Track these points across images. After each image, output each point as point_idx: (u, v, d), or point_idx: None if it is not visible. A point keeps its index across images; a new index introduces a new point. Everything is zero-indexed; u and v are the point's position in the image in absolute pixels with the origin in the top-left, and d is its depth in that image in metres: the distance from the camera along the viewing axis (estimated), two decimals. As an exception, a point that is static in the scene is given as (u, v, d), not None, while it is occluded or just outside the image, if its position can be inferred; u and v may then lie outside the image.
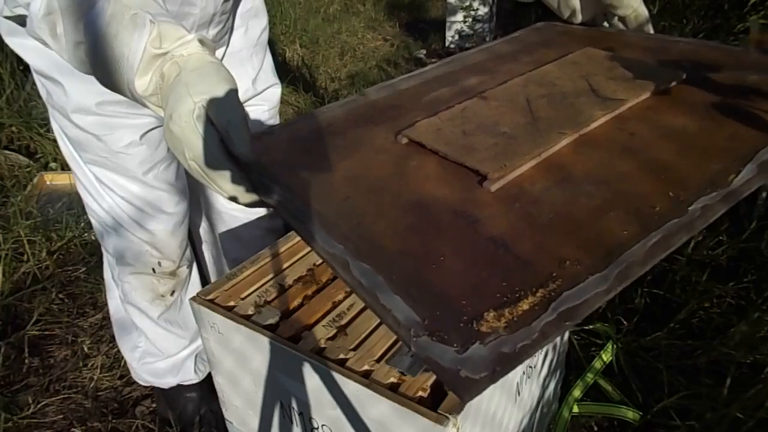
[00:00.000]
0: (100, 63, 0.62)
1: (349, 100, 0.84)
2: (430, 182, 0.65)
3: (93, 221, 1.15)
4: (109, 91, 0.65)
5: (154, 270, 1.16)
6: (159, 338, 1.26)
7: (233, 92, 0.58)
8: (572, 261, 0.51)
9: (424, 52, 4.04)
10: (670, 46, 0.93)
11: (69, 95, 0.94)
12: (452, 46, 3.93)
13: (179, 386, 1.33)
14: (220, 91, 0.57)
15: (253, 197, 0.61)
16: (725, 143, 0.65)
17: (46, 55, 0.83)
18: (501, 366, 0.43)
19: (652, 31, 0.99)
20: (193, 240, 1.38)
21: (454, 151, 0.68)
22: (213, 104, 0.56)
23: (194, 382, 1.34)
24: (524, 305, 0.47)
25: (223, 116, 0.56)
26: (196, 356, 1.33)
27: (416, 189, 0.64)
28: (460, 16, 3.87)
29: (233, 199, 0.60)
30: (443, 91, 0.86)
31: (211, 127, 0.56)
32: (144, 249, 1.12)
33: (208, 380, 1.34)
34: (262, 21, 1.14)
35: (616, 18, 1.01)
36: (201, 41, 0.61)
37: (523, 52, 0.99)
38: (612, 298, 1.51)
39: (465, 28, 3.89)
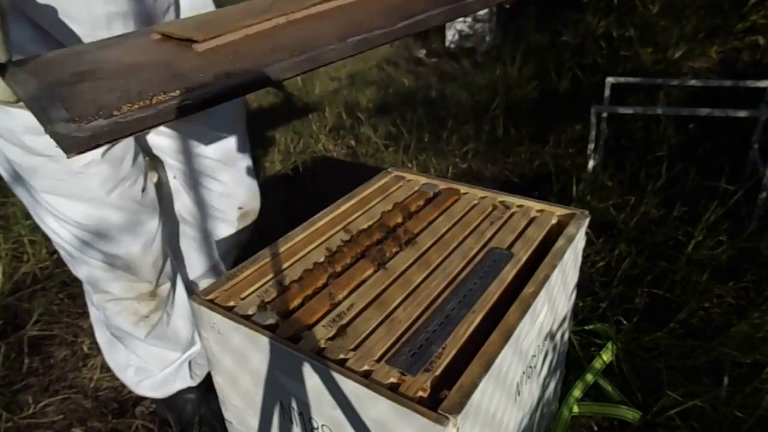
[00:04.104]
0: None
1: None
2: (151, 54, 0.71)
3: (60, 252, 1.10)
4: None
5: (132, 294, 1.11)
6: (150, 356, 1.25)
7: None
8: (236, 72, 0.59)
9: (424, 51, 4.04)
10: None
11: (15, 116, 0.87)
12: (452, 45, 3.94)
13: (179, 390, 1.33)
14: None
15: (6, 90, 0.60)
16: None
17: None
18: (112, 130, 0.50)
19: None
20: (181, 254, 1.37)
21: (183, 33, 0.74)
22: None
23: (191, 385, 1.34)
24: (161, 97, 0.55)
25: None
26: (190, 362, 1.32)
27: (138, 59, 0.69)
28: (460, 16, 3.86)
29: None
30: None
31: None
32: (117, 275, 1.07)
33: (207, 380, 1.34)
34: None
35: None
36: None
37: None
38: (612, 298, 1.50)
39: (465, 28, 3.89)
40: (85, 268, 1.07)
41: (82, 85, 0.61)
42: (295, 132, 2.83)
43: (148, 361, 1.26)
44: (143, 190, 1.06)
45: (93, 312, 1.31)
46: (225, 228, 1.33)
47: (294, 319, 0.77)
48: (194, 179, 1.23)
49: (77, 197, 0.98)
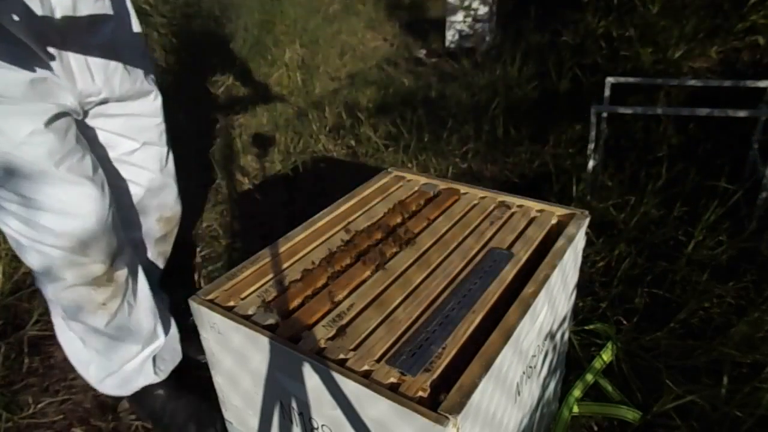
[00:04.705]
0: None
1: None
2: None
3: (11, 243, 1.07)
4: None
5: (86, 279, 1.09)
6: (110, 350, 1.22)
7: None
8: None
9: (424, 51, 4.04)
10: None
11: None
12: (452, 45, 3.94)
13: (145, 386, 1.30)
14: None
15: None
16: None
17: None
18: None
19: None
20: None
21: None
22: None
23: (156, 381, 1.30)
24: None
25: None
26: (154, 357, 1.29)
27: None
28: (460, 16, 3.87)
29: None
30: None
31: None
32: (68, 258, 1.05)
33: (177, 375, 1.33)
34: None
35: None
36: None
37: None
38: (612, 298, 1.50)
39: (465, 27, 3.89)
40: (35, 255, 1.05)
41: None
42: (295, 132, 2.83)
43: (108, 356, 1.23)
44: (93, 168, 1.06)
45: (53, 308, 1.27)
46: (145, 234, 1.35)
47: (294, 319, 0.77)
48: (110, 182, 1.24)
49: (26, 171, 0.97)
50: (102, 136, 1.19)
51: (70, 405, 1.43)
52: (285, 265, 0.90)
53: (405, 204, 1.06)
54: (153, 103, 1.23)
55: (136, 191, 1.28)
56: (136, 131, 1.22)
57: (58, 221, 1.02)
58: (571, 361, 1.28)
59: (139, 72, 1.17)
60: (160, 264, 1.44)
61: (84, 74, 1.05)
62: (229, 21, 4.16)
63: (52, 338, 1.64)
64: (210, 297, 0.83)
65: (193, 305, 0.82)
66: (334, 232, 0.99)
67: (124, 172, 1.25)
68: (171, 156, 1.32)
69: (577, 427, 1.23)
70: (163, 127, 1.27)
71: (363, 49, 4.20)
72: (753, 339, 1.35)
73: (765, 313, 1.39)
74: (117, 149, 1.22)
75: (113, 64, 1.10)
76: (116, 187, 1.23)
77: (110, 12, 1.06)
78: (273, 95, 3.32)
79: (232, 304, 0.82)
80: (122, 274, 1.15)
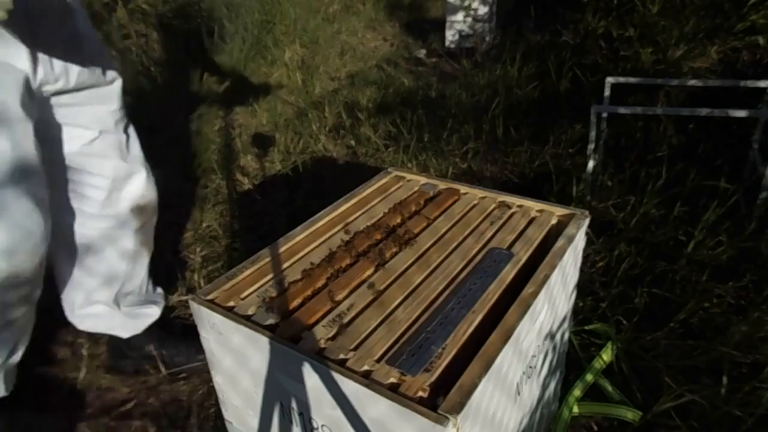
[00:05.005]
0: None
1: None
2: None
3: None
4: None
5: (11, 299, 1.04)
6: None
7: None
8: None
9: (424, 51, 4.04)
10: None
11: None
12: (452, 45, 3.94)
13: None
14: None
15: None
16: None
17: None
18: None
19: None
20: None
21: None
22: None
23: (4, 395, 1.20)
24: None
25: None
26: (4, 373, 1.18)
27: None
28: (460, 16, 3.87)
29: None
30: None
31: None
32: (3, 277, 1.00)
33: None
34: None
35: None
36: None
37: None
38: (612, 298, 1.50)
39: (465, 27, 3.89)
40: None
41: None
42: (295, 132, 2.83)
43: None
44: (44, 192, 1.05)
45: None
46: (123, 232, 1.31)
47: (294, 319, 0.77)
48: (70, 177, 1.20)
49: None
50: (56, 131, 1.16)
51: (71, 405, 1.43)
52: (285, 265, 0.90)
53: (405, 204, 1.06)
54: (106, 88, 1.19)
55: (102, 183, 1.24)
56: (90, 120, 1.18)
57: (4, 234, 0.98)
58: (571, 361, 1.28)
59: (98, 62, 1.15)
60: (146, 255, 1.39)
61: (45, 63, 1.04)
62: (229, 21, 4.16)
63: (53, 338, 1.64)
64: (210, 297, 0.83)
65: (193, 305, 0.82)
66: (334, 232, 0.99)
67: (87, 164, 1.21)
68: (134, 143, 1.28)
69: (577, 427, 1.23)
70: (119, 114, 1.23)
71: (363, 49, 4.20)
72: (753, 339, 1.35)
73: (765, 313, 1.39)
74: (75, 141, 1.18)
75: (75, 53, 1.09)
76: (83, 183, 1.21)
77: (76, 5, 1.07)
78: (273, 95, 3.32)
79: (232, 304, 0.82)
80: (37, 294, 1.13)
